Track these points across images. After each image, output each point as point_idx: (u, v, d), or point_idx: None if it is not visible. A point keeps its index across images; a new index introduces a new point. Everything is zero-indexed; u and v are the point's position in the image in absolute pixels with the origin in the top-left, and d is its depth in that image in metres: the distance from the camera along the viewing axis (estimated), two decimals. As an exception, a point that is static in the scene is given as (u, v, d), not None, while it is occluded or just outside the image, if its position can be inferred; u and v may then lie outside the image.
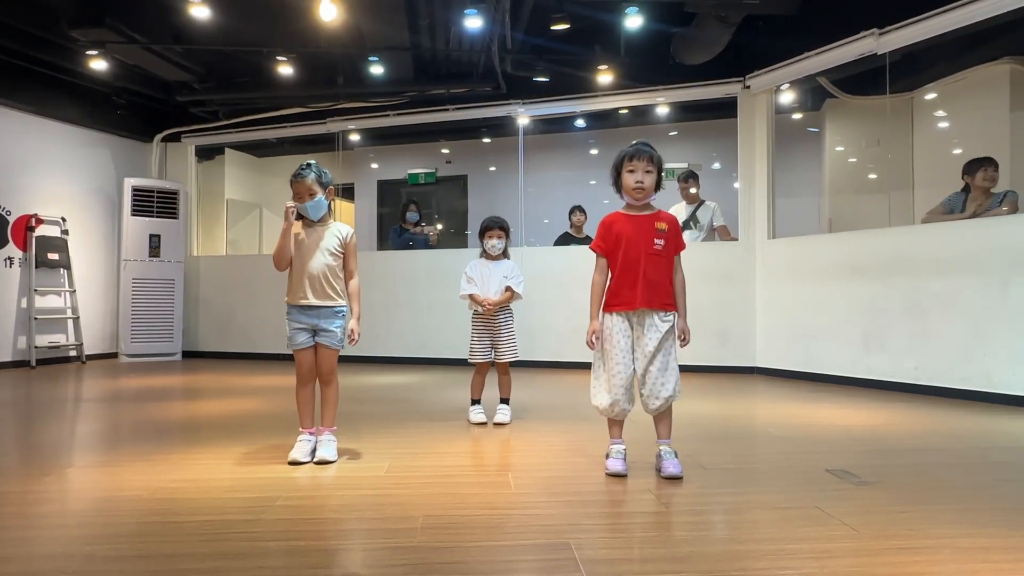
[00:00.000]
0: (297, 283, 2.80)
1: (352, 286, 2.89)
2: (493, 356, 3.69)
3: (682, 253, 2.64)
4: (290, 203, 2.78)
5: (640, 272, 2.49)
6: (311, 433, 2.84)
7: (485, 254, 3.73)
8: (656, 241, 2.51)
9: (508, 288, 3.65)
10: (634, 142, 2.58)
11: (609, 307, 2.56)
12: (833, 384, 5.08)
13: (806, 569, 1.65)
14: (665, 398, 2.51)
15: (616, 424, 2.62)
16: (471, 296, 3.65)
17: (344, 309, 2.86)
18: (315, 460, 2.72)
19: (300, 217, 2.84)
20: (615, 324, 2.53)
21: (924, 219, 4.84)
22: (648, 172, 2.51)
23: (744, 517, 2.07)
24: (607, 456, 2.59)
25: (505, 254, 3.74)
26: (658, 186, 2.56)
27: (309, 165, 2.80)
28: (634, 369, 2.53)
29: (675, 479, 2.46)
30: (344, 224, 2.90)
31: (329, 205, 2.86)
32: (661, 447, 2.57)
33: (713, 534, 1.96)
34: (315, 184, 2.75)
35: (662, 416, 2.59)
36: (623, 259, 2.52)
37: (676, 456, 2.54)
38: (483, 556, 1.76)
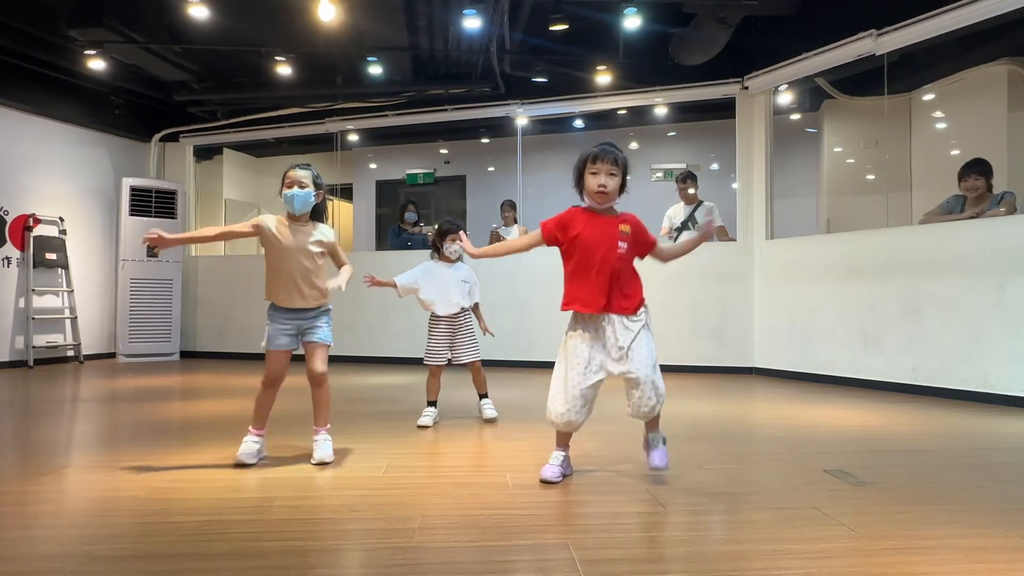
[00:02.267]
0: (278, 285, 2.75)
1: (344, 268, 2.86)
2: (451, 358, 3.67)
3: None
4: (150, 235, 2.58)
5: (603, 275, 2.33)
6: (260, 435, 2.78)
7: (442, 257, 3.67)
8: (620, 244, 2.36)
9: (476, 305, 3.73)
10: (600, 143, 2.43)
11: (570, 305, 2.39)
12: (831, 384, 5.08)
13: (804, 569, 1.66)
14: (646, 412, 2.36)
15: (564, 434, 2.48)
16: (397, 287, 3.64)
17: (330, 308, 2.85)
18: (314, 462, 2.71)
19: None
20: (578, 325, 2.39)
21: (922, 220, 4.85)
22: (612, 175, 2.35)
23: (742, 517, 2.07)
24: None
25: (461, 258, 3.71)
26: (622, 189, 2.40)
27: (308, 165, 2.81)
28: (602, 377, 2.36)
29: (660, 471, 2.36)
30: (327, 228, 2.85)
31: (323, 211, 2.86)
32: (649, 433, 2.47)
33: (711, 534, 1.96)
34: (308, 179, 2.74)
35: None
36: (582, 261, 2.37)
37: (664, 444, 2.44)
38: (481, 556, 1.76)
